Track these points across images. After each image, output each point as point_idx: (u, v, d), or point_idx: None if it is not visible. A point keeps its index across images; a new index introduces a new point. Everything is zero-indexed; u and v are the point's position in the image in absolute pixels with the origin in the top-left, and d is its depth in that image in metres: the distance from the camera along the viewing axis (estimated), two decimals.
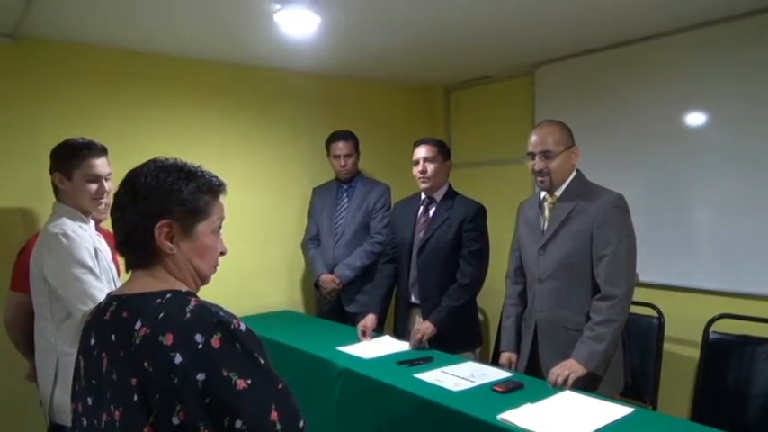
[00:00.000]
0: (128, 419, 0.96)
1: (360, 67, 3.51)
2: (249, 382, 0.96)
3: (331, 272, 3.21)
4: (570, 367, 1.95)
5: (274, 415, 0.98)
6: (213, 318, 0.99)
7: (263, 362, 1.00)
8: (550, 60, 3.37)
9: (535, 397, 1.83)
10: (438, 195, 2.68)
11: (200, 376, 0.93)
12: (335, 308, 3.26)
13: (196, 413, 0.93)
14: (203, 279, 1.17)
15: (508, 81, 3.72)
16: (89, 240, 1.89)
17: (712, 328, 2.46)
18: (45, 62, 2.73)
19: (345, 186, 3.33)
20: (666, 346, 2.60)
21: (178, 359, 0.93)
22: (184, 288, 1.10)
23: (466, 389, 1.94)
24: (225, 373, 0.95)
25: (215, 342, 0.96)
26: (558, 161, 2.12)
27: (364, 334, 2.61)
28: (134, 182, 1.08)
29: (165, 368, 0.93)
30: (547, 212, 2.20)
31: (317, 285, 3.29)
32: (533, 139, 2.16)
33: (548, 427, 1.59)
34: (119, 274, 2.00)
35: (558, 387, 1.92)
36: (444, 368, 2.16)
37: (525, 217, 2.32)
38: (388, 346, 2.50)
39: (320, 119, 3.56)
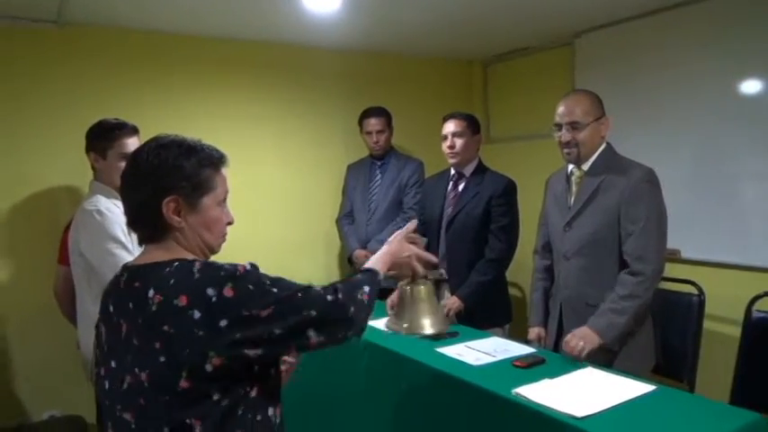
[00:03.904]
0: (157, 379, 1.02)
1: (393, 42, 3.47)
2: (272, 309, 1.03)
3: (364, 247, 3.24)
4: (585, 337, 1.90)
5: (309, 312, 1.06)
6: (220, 271, 1.05)
7: (275, 291, 1.06)
8: (592, 28, 3.22)
9: (555, 372, 1.79)
10: (467, 170, 2.65)
11: (223, 322, 1.00)
12: None
13: (229, 353, 1.00)
14: (211, 250, 1.22)
15: (547, 52, 3.59)
16: (122, 217, 1.98)
17: (756, 307, 2.34)
18: (86, 46, 2.85)
19: (378, 162, 3.34)
20: (707, 324, 2.49)
21: (197, 315, 1.00)
22: (191, 257, 1.14)
23: (486, 363, 1.93)
24: (246, 313, 1.02)
25: (227, 292, 1.02)
26: (586, 132, 2.05)
27: (392, 308, 2.63)
28: (137, 161, 1.13)
29: (187, 326, 1.00)
30: (574, 187, 2.14)
31: (350, 261, 3.33)
32: (561, 109, 2.09)
33: (561, 403, 1.56)
34: None
35: (574, 358, 1.88)
36: (468, 343, 2.15)
37: (553, 191, 2.26)
38: None
39: (355, 96, 3.56)
